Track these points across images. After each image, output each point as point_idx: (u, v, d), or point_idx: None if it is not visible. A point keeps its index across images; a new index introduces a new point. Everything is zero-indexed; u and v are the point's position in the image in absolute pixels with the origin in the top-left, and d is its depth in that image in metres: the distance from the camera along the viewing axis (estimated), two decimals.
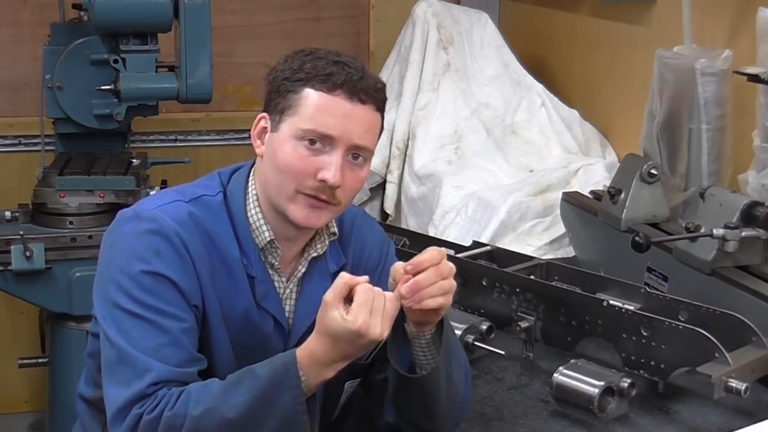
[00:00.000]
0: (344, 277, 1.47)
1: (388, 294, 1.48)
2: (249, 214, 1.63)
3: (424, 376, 1.59)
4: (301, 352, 1.47)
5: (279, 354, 1.51)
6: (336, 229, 1.69)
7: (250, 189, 1.65)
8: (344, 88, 1.55)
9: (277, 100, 1.59)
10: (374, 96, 1.58)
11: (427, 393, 1.60)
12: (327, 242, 1.69)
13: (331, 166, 1.54)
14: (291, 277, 1.68)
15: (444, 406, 1.63)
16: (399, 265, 1.52)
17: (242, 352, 1.61)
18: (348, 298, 1.45)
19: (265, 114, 1.62)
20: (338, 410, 1.74)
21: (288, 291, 1.68)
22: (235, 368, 1.56)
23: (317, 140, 1.55)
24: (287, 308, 1.68)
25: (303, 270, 1.68)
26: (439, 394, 1.61)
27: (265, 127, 1.62)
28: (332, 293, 1.45)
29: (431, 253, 1.51)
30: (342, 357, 1.47)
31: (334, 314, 1.43)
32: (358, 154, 1.58)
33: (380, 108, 1.61)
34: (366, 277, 1.48)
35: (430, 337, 1.59)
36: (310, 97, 1.55)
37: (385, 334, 1.45)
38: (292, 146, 1.56)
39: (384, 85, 1.62)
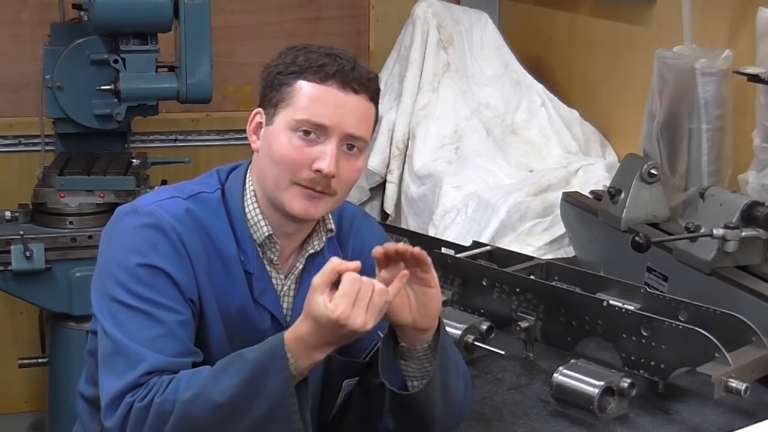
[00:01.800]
0: (333, 261, 1.45)
1: (378, 285, 1.45)
2: (247, 210, 1.64)
3: (417, 393, 1.59)
4: (289, 334, 1.47)
5: (269, 337, 1.51)
6: (333, 226, 1.70)
7: (247, 185, 1.66)
8: (336, 78, 1.56)
9: (271, 95, 1.60)
10: (367, 86, 1.59)
11: (422, 406, 1.60)
12: (324, 238, 1.69)
13: (325, 156, 1.55)
14: (289, 273, 1.69)
15: (440, 416, 1.63)
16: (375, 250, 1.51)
17: (239, 348, 1.60)
18: (336, 284, 1.44)
19: (260, 109, 1.64)
20: (336, 409, 1.74)
21: (286, 288, 1.68)
22: None
23: (311, 130, 1.56)
24: (285, 305, 1.68)
25: (301, 266, 1.69)
26: (435, 406, 1.61)
27: (261, 122, 1.63)
28: (320, 277, 1.44)
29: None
30: (327, 342, 1.46)
31: (318, 299, 1.43)
32: (353, 144, 1.59)
33: (373, 98, 1.62)
34: (357, 264, 1.46)
35: (427, 347, 1.59)
36: (304, 88, 1.57)
37: (369, 325, 1.43)
38: (287, 137, 1.57)
39: (376, 76, 1.64)
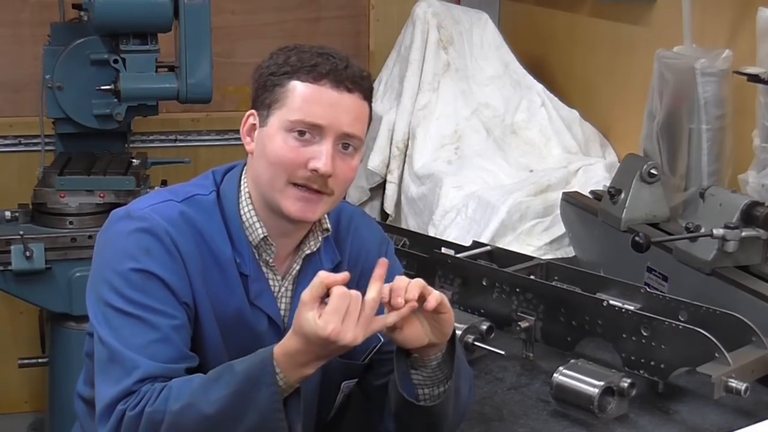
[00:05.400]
0: (321, 276, 1.44)
1: (368, 297, 1.44)
2: (242, 212, 1.63)
3: (434, 405, 1.58)
4: (279, 349, 1.45)
5: (260, 350, 1.49)
6: (329, 225, 1.69)
7: (242, 187, 1.65)
8: (330, 77, 1.55)
9: (264, 96, 1.60)
10: (360, 84, 1.58)
11: (436, 414, 1.60)
12: (320, 238, 1.68)
13: (321, 155, 1.54)
14: (286, 275, 1.68)
15: (450, 422, 1.63)
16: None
17: (235, 352, 1.59)
18: (326, 297, 1.43)
19: (253, 111, 1.63)
20: (334, 410, 1.74)
21: (283, 289, 1.68)
22: None
23: (306, 130, 1.55)
24: (282, 306, 1.68)
25: (298, 267, 1.68)
26: (447, 415, 1.61)
27: (254, 124, 1.63)
28: (309, 293, 1.42)
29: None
30: (317, 358, 1.45)
31: (308, 316, 1.41)
32: (348, 143, 1.58)
33: (367, 97, 1.61)
34: (345, 275, 1.44)
35: (440, 355, 1.58)
36: (297, 88, 1.56)
37: (359, 339, 1.42)
38: (281, 138, 1.56)
39: (369, 74, 1.63)
